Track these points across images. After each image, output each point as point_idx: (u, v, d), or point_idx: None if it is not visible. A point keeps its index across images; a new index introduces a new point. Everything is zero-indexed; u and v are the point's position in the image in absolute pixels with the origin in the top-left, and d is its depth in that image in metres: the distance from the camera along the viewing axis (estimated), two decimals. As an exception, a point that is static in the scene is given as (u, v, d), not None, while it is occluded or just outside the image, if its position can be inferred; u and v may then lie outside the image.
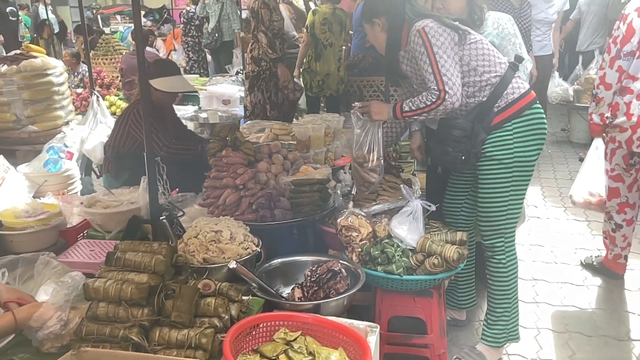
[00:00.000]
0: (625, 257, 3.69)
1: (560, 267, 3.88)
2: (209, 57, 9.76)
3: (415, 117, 2.52)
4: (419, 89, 2.57)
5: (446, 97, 2.38)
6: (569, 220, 4.70)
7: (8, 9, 9.93)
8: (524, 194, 2.62)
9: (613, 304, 3.37)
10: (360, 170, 2.82)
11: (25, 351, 1.84)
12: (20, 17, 10.62)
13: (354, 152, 2.83)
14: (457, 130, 2.52)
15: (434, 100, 2.41)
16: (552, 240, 4.29)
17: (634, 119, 3.22)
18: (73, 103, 5.27)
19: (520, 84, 2.53)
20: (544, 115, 2.57)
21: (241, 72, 7.93)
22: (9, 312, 1.78)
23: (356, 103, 2.79)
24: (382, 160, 2.77)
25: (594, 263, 3.82)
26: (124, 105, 6.08)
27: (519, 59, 2.60)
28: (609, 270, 3.72)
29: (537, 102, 2.56)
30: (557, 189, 5.57)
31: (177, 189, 3.33)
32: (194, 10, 9.63)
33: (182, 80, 3.79)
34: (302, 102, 5.92)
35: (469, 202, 2.88)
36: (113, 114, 5.73)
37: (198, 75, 8.78)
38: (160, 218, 2.34)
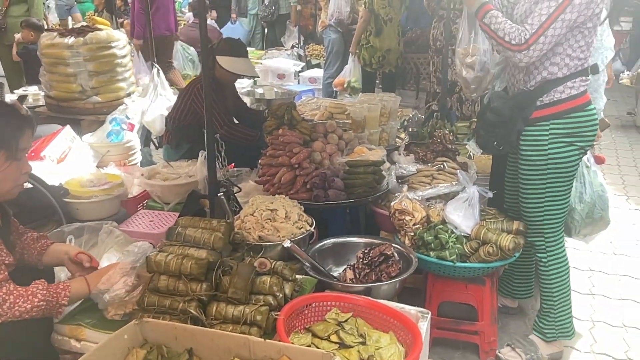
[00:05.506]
0: None
1: (619, 258, 3.74)
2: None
3: (485, 32, 2.41)
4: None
5: (523, 51, 2.25)
6: (630, 210, 4.52)
7: None
8: (566, 195, 2.47)
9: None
10: (459, 65, 2.91)
11: (91, 317, 1.96)
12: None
13: (457, 49, 3.00)
14: (492, 115, 2.42)
15: (513, 42, 2.27)
16: (612, 230, 4.12)
17: None
18: (132, 72, 5.39)
19: (574, 85, 2.36)
20: (594, 122, 2.39)
21: (297, 46, 7.92)
22: (82, 278, 1.89)
23: None
24: (480, 57, 2.86)
25: None
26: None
27: (595, 70, 2.42)
28: None
29: (589, 106, 2.38)
30: (619, 176, 5.32)
31: (233, 164, 3.39)
32: None
33: (248, 63, 3.81)
34: (357, 79, 5.86)
35: None
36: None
37: (254, 48, 8.82)
38: (218, 194, 2.40)
